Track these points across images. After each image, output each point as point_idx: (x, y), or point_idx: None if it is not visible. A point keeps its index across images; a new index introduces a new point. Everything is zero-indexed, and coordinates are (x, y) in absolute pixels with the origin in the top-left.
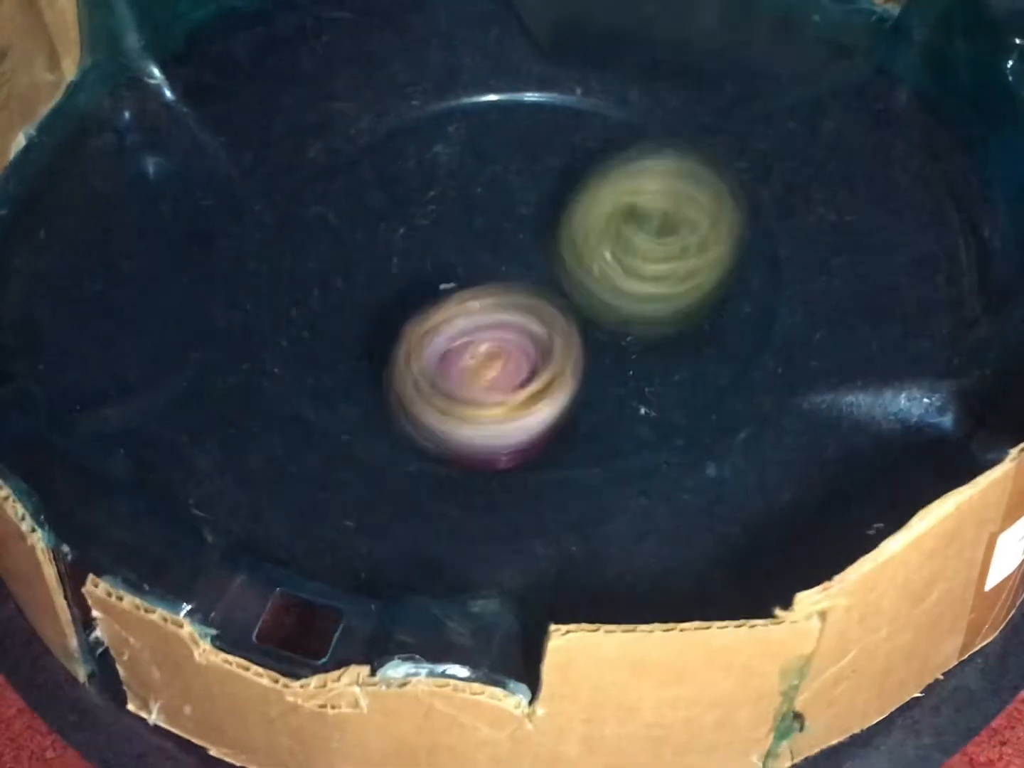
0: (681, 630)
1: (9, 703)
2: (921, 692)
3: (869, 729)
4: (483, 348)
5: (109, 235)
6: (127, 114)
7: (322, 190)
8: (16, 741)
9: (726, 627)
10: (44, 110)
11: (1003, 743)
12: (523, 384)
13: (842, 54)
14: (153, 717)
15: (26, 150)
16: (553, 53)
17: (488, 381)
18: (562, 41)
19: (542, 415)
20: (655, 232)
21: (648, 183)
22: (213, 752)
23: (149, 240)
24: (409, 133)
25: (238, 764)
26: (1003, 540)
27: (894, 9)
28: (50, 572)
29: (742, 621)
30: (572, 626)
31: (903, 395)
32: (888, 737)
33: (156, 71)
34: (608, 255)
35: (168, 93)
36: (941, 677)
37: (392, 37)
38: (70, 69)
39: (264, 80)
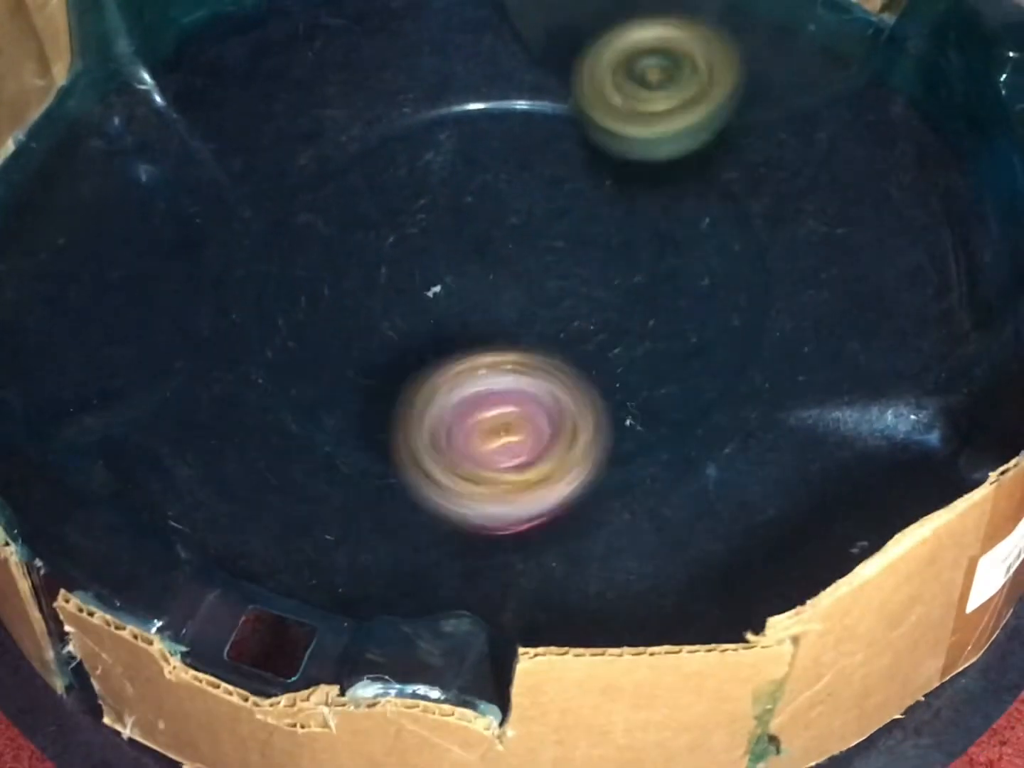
0: (651, 654)
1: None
2: (902, 714)
3: (850, 750)
4: (506, 410)
5: (97, 241)
6: (117, 120)
7: (312, 198)
8: (16, 741)
9: (696, 651)
10: (34, 115)
11: (1003, 743)
12: (542, 453)
13: (837, 64)
14: (128, 731)
15: (15, 155)
16: (546, 61)
17: (504, 447)
18: (555, 49)
19: (563, 489)
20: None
21: (652, 32)
22: (187, 767)
23: (137, 247)
24: (400, 141)
25: None
26: (984, 563)
27: (890, 20)
28: (24, 586)
29: (713, 645)
30: (541, 649)
31: (890, 411)
32: (867, 760)
33: (147, 77)
34: (617, 97)
35: (158, 99)
36: (922, 699)
37: (384, 44)
38: (60, 74)
39: (255, 86)
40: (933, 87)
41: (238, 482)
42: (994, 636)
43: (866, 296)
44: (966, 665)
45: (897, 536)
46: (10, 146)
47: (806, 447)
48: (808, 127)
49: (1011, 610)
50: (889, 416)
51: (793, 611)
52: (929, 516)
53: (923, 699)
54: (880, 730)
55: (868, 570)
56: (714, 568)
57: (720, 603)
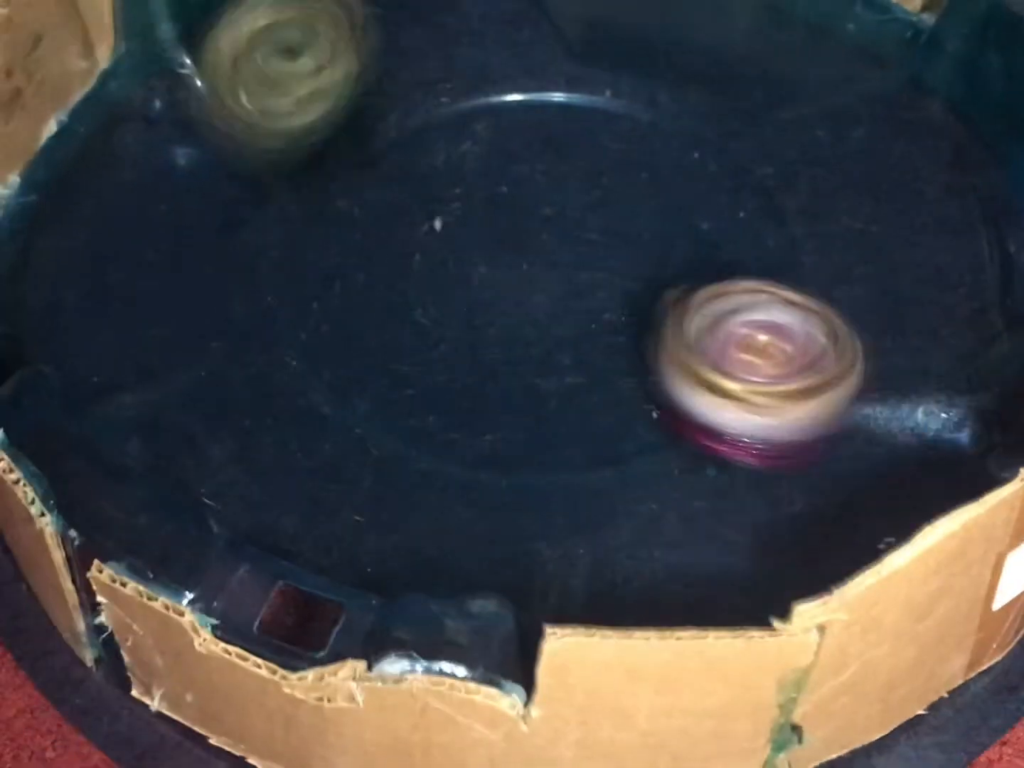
0: (677, 638)
1: (9, 703)
2: (925, 710)
3: (871, 745)
4: (762, 337)
5: (136, 222)
6: (158, 103)
7: (348, 184)
8: (16, 741)
9: (722, 636)
10: (76, 97)
11: (1003, 743)
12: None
13: (875, 63)
14: (156, 704)
15: (57, 136)
16: (583, 54)
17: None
18: (592, 42)
19: (811, 409)
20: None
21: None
22: (213, 741)
23: (175, 229)
24: (437, 130)
25: (237, 753)
26: (1011, 560)
27: (929, 20)
28: (58, 556)
29: (739, 631)
30: (568, 629)
31: (920, 409)
32: (889, 755)
33: (188, 61)
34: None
35: (200, 83)
36: (946, 695)
37: (423, 34)
38: (104, 57)
39: None
40: (971, 87)
41: (270, 462)
42: (1020, 635)
43: (898, 294)
44: (991, 663)
45: (926, 528)
46: (53, 127)
47: (835, 443)
48: (844, 124)
49: None
50: (920, 414)
51: (820, 599)
52: (959, 510)
53: (947, 696)
54: (902, 726)
55: (896, 561)
56: (740, 560)
57: (746, 594)
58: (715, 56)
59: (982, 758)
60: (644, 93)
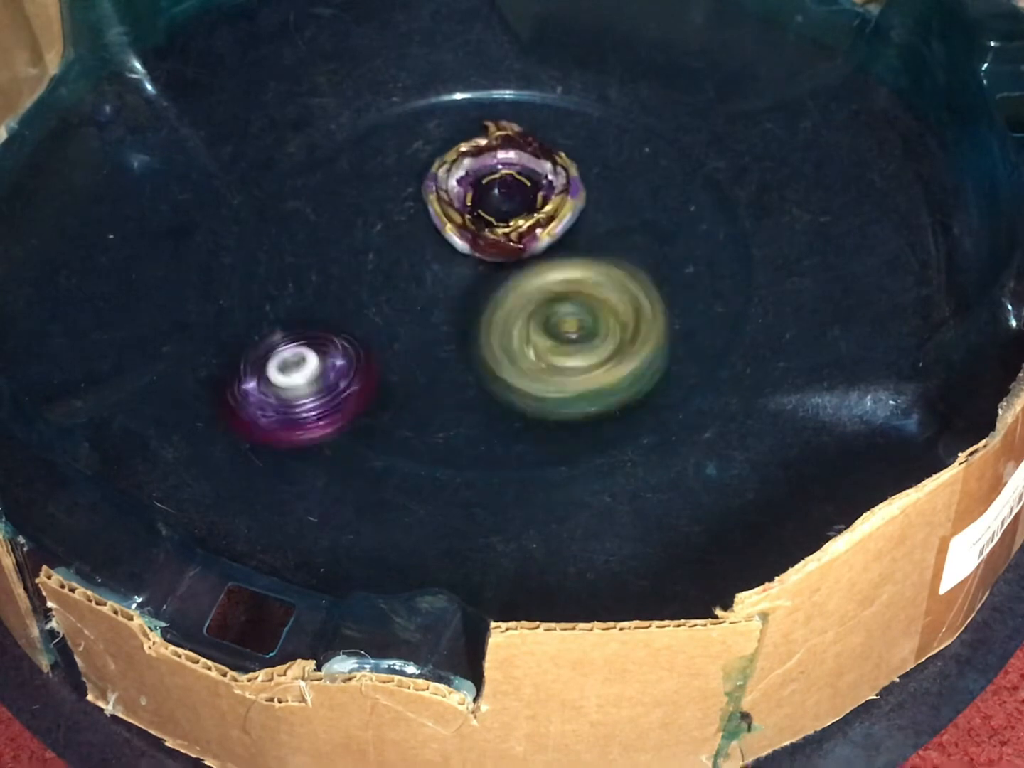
0: (620, 629)
1: None
2: (877, 695)
3: (825, 730)
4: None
5: (88, 228)
6: (108, 108)
7: (300, 185)
8: (16, 741)
9: (666, 626)
10: (26, 104)
11: (1003, 743)
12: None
13: (823, 55)
14: (110, 708)
15: (8, 143)
16: (534, 51)
17: None
18: (543, 39)
19: None
20: (573, 336)
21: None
22: (169, 743)
23: (127, 233)
24: (389, 129)
25: (194, 756)
26: (956, 544)
27: (875, 10)
28: (8, 562)
29: (682, 621)
30: (512, 623)
31: (869, 397)
32: (842, 740)
33: (138, 65)
34: (531, 352)
35: (149, 87)
36: (897, 680)
37: (374, 33)
38: (53, 63)
39: (245, 75)
40: (916, 77)
41: (223, 464)
42: (969, 619)
43: (847, 283)
44: (941, 647)
45: (866, 514)
46: (3, 134)
47: (786, 432)
48: (793, 117)
49: (986, 593)
50: (868, 401)
51: (761, 587)
52: (898, 495)
53: (898, 680)
54: (855, 711)
55: (836, 547)
56: (692, 550)
57: (697, 584)
58: (665, 51)
59: (982, 758)
60: (595, 89)
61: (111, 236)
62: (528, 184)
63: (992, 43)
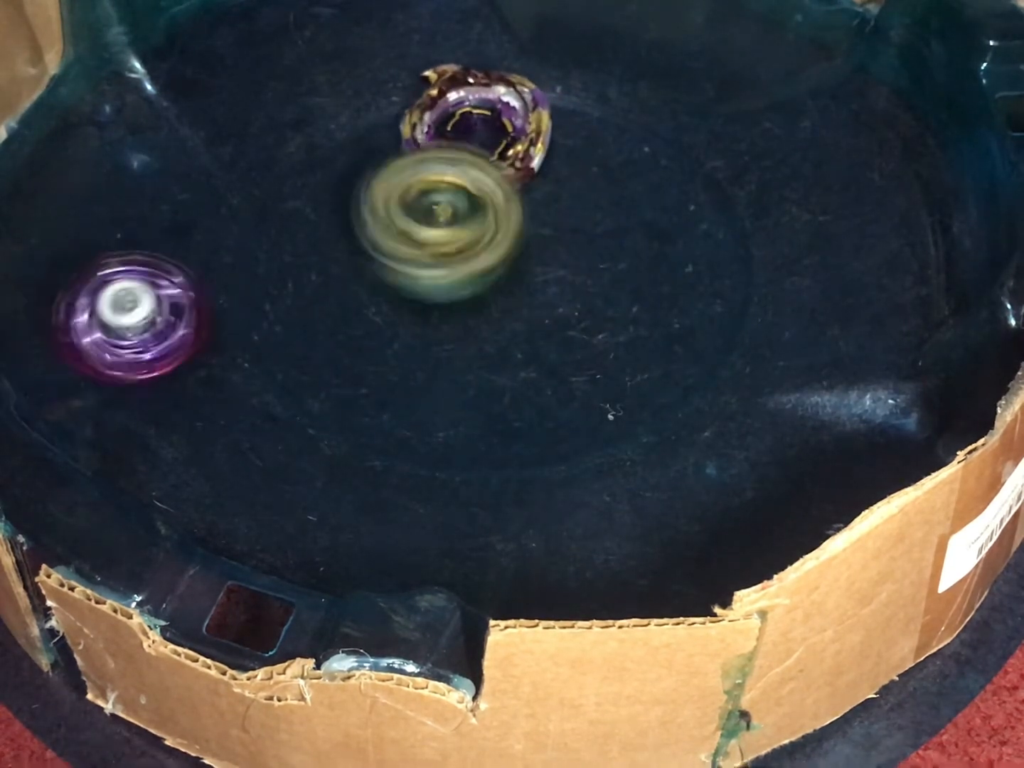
0: (619, 627)
1: None
2: (876, 693)
3: (824, 729)
4: None
5: (88, 227)
6: (108, 107)
7: (300, 184)
8: (16, 741)
9: (664, 624)
10: (26, 103)
11: (1003, 743)
12: None
13: (822, 54)
14: (110, 707)
15: (7, 143)
16: (534, 50)
17: None
18: (543, 38)
19: None
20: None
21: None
22: (168, 742)
23: (127, 232)
24: (388, 129)
25: (193, 754)
26: (955, 542)
27: (874, 10)
28: (8, 561)
29: (680, 619)
30: (511, 621)
31: (868, 396)
32: (841, 739)
33: (138, 65)
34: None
35: (149, 87)
36: (897, 679)
37: (374, 33)
38: (53, 63)
39: (245, 74)
40: (916, 76)
41: (222, 463)
42: (969, 618)
43: (847, 282)
44: (940, 646)
45: (864, 512)
46: (2, 133)
47: (785, 431)
48: (792, 116)
49: (986, 592)
50: (867, 400)
51: (760, 585)
52: (897, 493)
53: (897, 679)
54: (854, 710)
55: (835, 545)
56: (692, 549)
57: (697, 583)
58: (665, 51)
59: (982, 759)
60: (595, 89)
61: (110, 235)
62: (489, 113)
63: (991, 42)
